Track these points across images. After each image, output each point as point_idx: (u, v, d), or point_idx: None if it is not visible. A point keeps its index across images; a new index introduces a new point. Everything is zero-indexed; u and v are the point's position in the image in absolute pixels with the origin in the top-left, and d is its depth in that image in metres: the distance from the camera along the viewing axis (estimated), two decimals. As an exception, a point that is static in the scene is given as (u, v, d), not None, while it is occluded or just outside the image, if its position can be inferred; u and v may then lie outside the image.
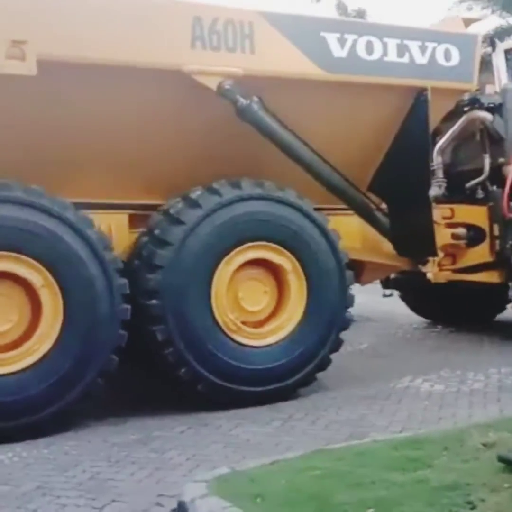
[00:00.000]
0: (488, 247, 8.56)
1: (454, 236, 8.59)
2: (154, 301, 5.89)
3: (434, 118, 7.34)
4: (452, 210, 8.77)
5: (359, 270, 7.99)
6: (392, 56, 6.70)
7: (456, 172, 8.90)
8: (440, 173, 8.69)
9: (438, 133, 8.79)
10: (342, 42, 6.47)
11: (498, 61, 8.50)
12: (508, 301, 8.53)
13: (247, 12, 6.17)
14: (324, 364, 6.63)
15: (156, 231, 6.10)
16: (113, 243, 6.10)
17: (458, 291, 9.36)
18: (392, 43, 6.69)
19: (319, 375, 6.68)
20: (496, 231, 8.44)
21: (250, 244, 6.26)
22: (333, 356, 6.60)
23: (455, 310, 9.99)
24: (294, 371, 6.37)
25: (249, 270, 6.37)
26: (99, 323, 5.63)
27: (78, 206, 5.83)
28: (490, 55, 8.56)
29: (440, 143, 8.82)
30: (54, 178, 5.86)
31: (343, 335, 6.67)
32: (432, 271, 8.59)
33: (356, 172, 7.09)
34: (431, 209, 7.28)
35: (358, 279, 8.30)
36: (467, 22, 7.43)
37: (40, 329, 5.52)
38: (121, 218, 6.40)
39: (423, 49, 6.83)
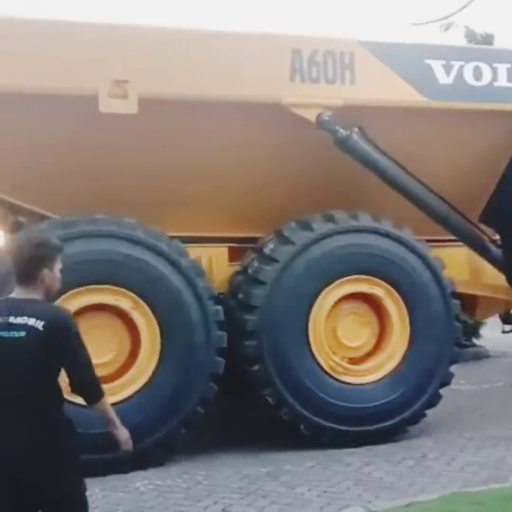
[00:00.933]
0: None
1: None
2: (251, 342, 5.83)
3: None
4: None
5: (472, 304, 7.72)
6: (502, 81, 6.42)
7: None
8: None
9: None
10: (447, 68, 6.27)
11: None
12: None
13: (347, 42, 6.09)
14: (433, 400, 6.34)
15: (250, 270, 6.07)
16: (213, 275, 6.16)
17: None
18: (502, 68, 6.41)
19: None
20: None
21: (346, 278, 6.10)
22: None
23: None
24: (399, 409, 6.13)
25: (348, 305, 6.21)
26: (195, 350, 5.61)
27: (181, 239, 5.92)
28: None
29: None
30: (164, 215, 5.99)
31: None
32: None
33: (466, 202, 6.74)
34: None
35: (472, 313, 7.96)
36: None
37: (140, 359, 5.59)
38: (221, 251, 6.43)
39: None
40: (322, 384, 5.95)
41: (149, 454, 5.40)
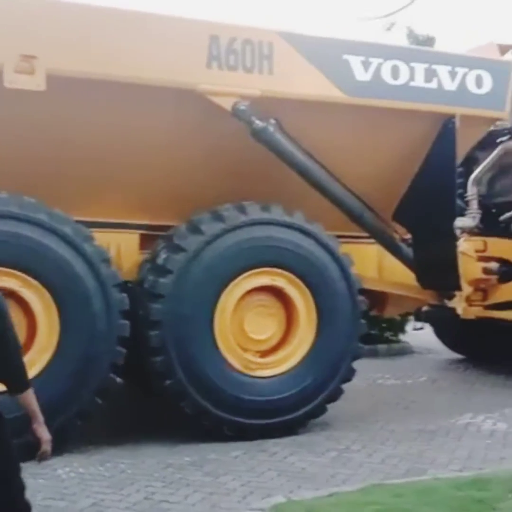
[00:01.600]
0: None
1: (486, 271, 8.22)
2: (155, 332, 5.69)
3: (464, 146, 7.02)
4: (485, 243, 8.41)
5: (382, 302, 7.79)
6: (419, 81, 6.41)
7: (492, 204, 8.56)
8: (474, 204, 8.43)
9: (475, 162, 8.53)
10: (366, 65, 6.25)
11: None
12: None
13: (267, 32, 5.95)
14: (334, 395, 6.33)
15: (158, 259, 5.93)
16: (121, 262, 6.01)
17: (495, 327, 8.83)
18: (419, 68, 6.40)
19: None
20: None
21: (255, 270, 6.01)
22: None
23: (493, 348, 9.41)
24: (301, 403, 6.07)
25: (255, 297, 6.12)
26: (96, 339, 5.44)
27: (90, 224, 5.76)
28: None
29: (475, 173, 8.53)
30: (72, 200, 5.79)
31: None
32: (459, 306, 8.20)
33: (379, 199, 6.79)
34: (456, 241, 6.92)
35: (382, 310, 8.08)
36: (504, 48, 7.12)
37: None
38: (131, 238, 6.26)
39: (452, 74, 6.51)
40: (225, 377, 5.88)
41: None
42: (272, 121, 6.02)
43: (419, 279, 7.15)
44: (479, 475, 4.74)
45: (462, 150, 7.03)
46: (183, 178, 6.12)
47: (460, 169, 8.67)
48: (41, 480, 4.83)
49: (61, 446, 5.25)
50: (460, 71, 6.57)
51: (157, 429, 6.19)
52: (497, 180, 8.67)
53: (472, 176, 8.51)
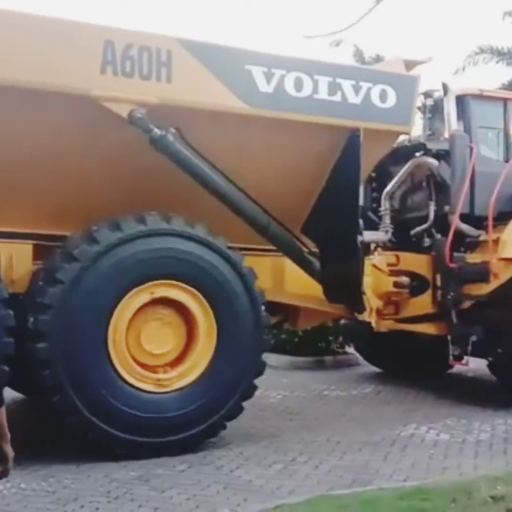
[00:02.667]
0: (430, 298, 8.15)
1: (397, 285, 8.17)
2: (42, 344, 5.42)
3: (370, 161, 6.98)
4: (397, 257, 8.37)
5: (294, 314, 7.76)
6: (322, 94, 6.33)
7: (404, 218, 8.58)
8: (387, 219, 8.49)
9: (389, 177, 8.60)
10: (268, 76, 6.14)
11: (449, 106, 8.07)
12: (449, 357, 8.06)
13: (165, 39, 5.79)
14: (234, 413, 6.13)
15: (50, 269, 5.65)
16: (13, 273, 5.71)
17: (409, 341, 8.82)
18: (323, 81, 6.33)
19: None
20: (439, 281, 8.08)
21: (154, 282, 5.80)
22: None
23: (407, 362, 9.33)
24: (197, 421, 5.86)
25: (154, 310, 5.90)
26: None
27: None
28: (442, 100, 8.41)
29: (388, 188, 8.58)
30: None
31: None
32: (370, 319, 8.11)
33: (287, 212, 6.71)
34: (360, 256, 6.85)
35: (294, 323, 8.09)
36: (410, 64, 7.19)
37: None
38: (24, 249, 5.92)
39: (356, 88, 6.45)
40: (118, 392, 5.62)
41: None
42: (172, 130, 5.92)
43: (325, 292, 7.08)
44: (422, 485, 4.80)
45: (368, 164, 7.01)
46: (79, 187, 5.85)
47: (374, 184, 8.87)
48: (-20, 497, 4.67)
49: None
50: (364, 85, 6.52)
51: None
52: (409, 195, 8.70)
53: (385, 191, 8.58)
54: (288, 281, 7.32)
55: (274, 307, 7.57)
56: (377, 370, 9.91)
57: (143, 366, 5.84)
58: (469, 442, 6.39)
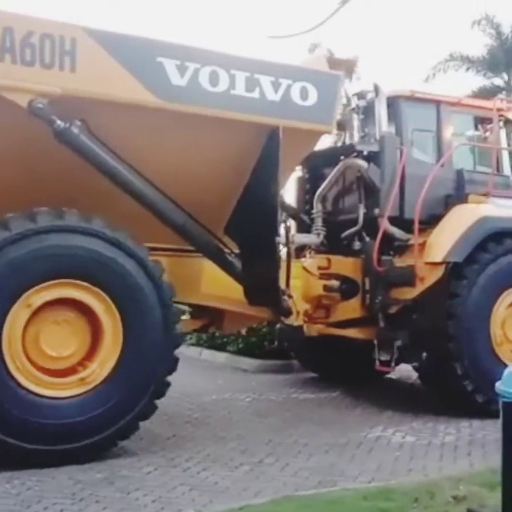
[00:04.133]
0: (360, 302, 7.97)
1: (326, 288, 7.94)
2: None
3: (292, 160, 6.72)
4: (329, 260, 8.16)
5: (219, 317, 7.61)
6: (239, 90, 6.04)
7: (336, 220, 8.40)
8: (319, 221, 8.33)
9: (322, 179, 8.47)
10: (182, 69, 5.88)
11: (380, 107, 7.97)
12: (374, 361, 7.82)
13: (69, 27, 5.47)
14: (146, 412, 5.85)
15: None
16: None
17: (342, 346, 8.58)
18: (240, 76, 6.04)
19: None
20: (367, 285, 7.89)
21: (50, 282, 5.47)
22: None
23: (340, 367, 9.10)
24: (108, 423, 5.58)
25: (53, 311, 5.58)
26: None
27: None
28: (373, 101, 8.34)
29: (319, 190, 8.42)
30: None
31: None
32: (297, 323, 7.77)
33: (207, 212, 6.40)
34: (277, 258, 6.62)
35: (220, 327, 7.93)
36: (334, 62, 6.94)
37: None
38: None
39: (276, 85, 6.18)
40: (14, 398, 5.29)
41: None
42: (78, 122, 5.60)
43: (246, 295, 6.78)
44: (387, 486, 4.83)
45: (290, 164, 6.73)
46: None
47: (307, 186, 8.71)
48: None
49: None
50: (284, 82, 6.24)
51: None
52: (340, 197, 8.51)
53: (317, 193, 8.40)
54: (208, 282, 7.00)
55: (198, 310, 7.54)
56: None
57: (43, 370, 5.51)
58: (435, 445, 6.41)
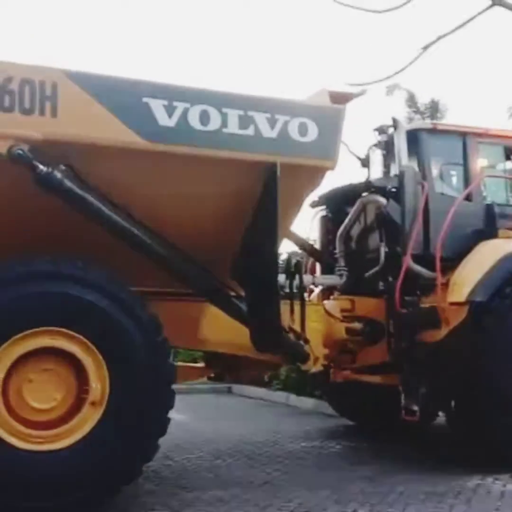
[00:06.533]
0: (386, 346, 7.57)
1: (349, 331, 7.57)
2: None
3: (295, 198, 6.40)
4: (352, 302, 7.82)
5: (235, 365, 7.41)
6: (232, 128, 5.86)
7: (359, 260, 8.10)
8: (341, 261, 8.12)
9: (344, 218, 8.24)
10: (169, 109, 5.73)
11: (400, 141, 7.73)
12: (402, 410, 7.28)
13: (50, 71, 5.39)
14: (131, 476, 5.56)
15: None
16: None
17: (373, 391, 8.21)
18: (233, 114, 5.87)
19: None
20: (392, 328, 7.49)
21: (32, 330, 5.27)
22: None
23: (373, 413, 8.73)
24: (85, 483, 5.28)
25: (36, 361, 5.38)
26: None
27: None
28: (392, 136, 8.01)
29: (340, 229, 8.20)
30: None
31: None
32: (315, 370, 7.36)
33: (209, 254, 6.16)
34: (277, 301, 6.29)
35: (235, 374, 7.78)
36: (335, 96, 6.66)
37: None
38: None
39: (272, 121, 5.96)
40: None
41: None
42: (62, 167, 5.52)
43: (252, 339, 6.46)
44: None
45: (293, 202, 6.47)
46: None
47: (329, 226, 8.48)
48: None
49: None
50: (281, 118, 5.99)
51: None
52: (362, 236, 8.21)
53: (338, 232, 8.17)
54: (210, 327, 6.77)
55: (212, 357, 7.46)
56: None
57: (24, 422, 5.30)
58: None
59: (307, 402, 11.22)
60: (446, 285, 7.10)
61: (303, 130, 6.12)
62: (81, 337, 5.41)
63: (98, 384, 5.44)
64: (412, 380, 7.19)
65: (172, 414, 5.71)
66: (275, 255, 6.24)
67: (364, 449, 8.10)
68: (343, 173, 7.83)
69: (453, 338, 6.99)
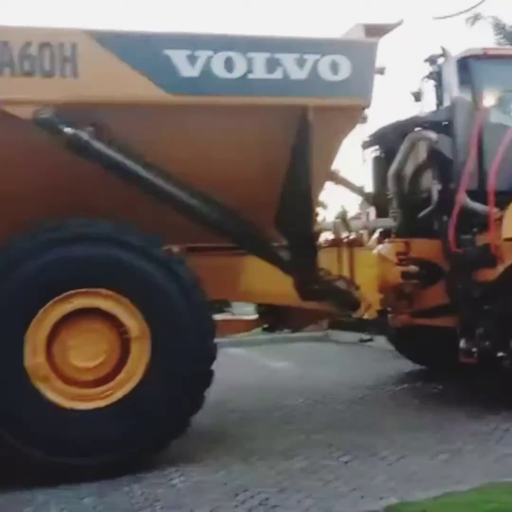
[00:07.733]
0: (443, 287, 7.32)
1: (405, 275, 7.33)
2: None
3: (332, 141, 6.17)
4: (407, 244, 7.54)
5: (286, 315, 7.33)
6: (259, 73, 5.68)
7: (413, 200, 7.82)
8: (394, 203, 7.87)
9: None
10: (192, 60, 5.62)
11: (449, 71, 7.37)
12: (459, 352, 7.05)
13: (68, 32, 5.41)
14: (179, 429, 5.61)
15: None
16: None
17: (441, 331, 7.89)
18: (259, 58, 5.69)
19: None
20: (447, 269, 7.24)
21: (72, 291, 5.37)
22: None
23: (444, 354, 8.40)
24: (135, 439, 5.40)
25: (78, 321, 5.48)
26: None
27: None
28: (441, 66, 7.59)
29: (391, 169, 7.86)
30: None
31: None
32: (367, 316, 7.21)
33: (249, 205, 6.02)
34: (314, 248, 6.19)
35: (288, 324, 7.69)
36: (370, 29, 6.28)
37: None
38: None
39: (301, 62, 5.76)
40: (42, 413, 5.24)
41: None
42: (89, 128, 5.50)
43: (296, 285, 6.36)
44: None
45: (331, 145, 6.27)
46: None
47: (382, 166, 8.12)
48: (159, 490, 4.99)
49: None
50: (310, 57, 5.78)
51: (269, 437, 6.33)
52: (415, 174, 7.86)
53: (389, 172, 7.85)
54: (252, 279, 6.67)
55: (264, 308, 7.43)
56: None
57: (71, 381, 5.45)
58: None
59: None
60: (500, 220, 6.73)
61: (334, 68, 5.86)
62: (123, 297, 5.48)
63: (138, 340, 5.51)
64: (470, 321, 6.91)
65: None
66: (310, 201, 6.07)
67: (465, 389, 7.97)
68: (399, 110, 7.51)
69: (509, 276, 6.65)
